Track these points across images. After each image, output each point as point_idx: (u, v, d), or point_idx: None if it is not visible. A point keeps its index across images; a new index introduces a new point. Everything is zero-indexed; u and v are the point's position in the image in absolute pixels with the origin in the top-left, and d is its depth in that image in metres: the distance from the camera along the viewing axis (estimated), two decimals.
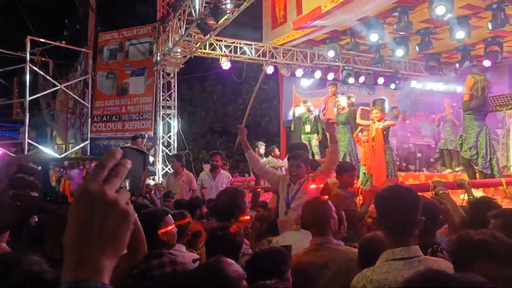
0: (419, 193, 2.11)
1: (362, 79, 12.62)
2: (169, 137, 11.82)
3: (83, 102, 11.85)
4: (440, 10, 7.73)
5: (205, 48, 10.81)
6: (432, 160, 10.87)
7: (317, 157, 9.66)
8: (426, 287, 1.10)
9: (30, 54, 10.50)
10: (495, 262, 1.56)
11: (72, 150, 11.91)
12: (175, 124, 11.82)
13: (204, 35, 8.89)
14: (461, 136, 7.26)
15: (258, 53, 11.50)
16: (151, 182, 8.86)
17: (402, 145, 10.74)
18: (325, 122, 10.00)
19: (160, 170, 11.33)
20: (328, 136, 4.35)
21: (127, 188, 0.75)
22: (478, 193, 5.86)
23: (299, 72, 12.10)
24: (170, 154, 11.00)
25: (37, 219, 2.61)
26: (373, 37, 9.51)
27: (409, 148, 10.97)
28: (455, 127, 9.58)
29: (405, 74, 13.22)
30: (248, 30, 12.10)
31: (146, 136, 10.43)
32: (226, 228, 2.48)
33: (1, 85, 11.95)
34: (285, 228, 3.71)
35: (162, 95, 11.69)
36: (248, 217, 3.33)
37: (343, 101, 9.84)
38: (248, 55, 11.44)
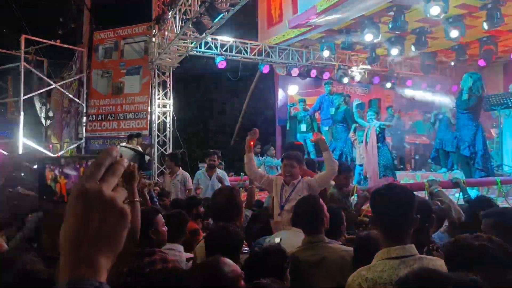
0: (415, 192, 2.12)
1: (357, 78, 12.64)
2: (165, 136, 11.78)
3: (78, 101, 11.78)
4: (434, 10, 7.75)
5: (200, 47, 10.79)
6: (428, 160, 10.89)
7: (312, 156, 9.67)
8: (420, 286, 1.11)
9: (25, 53, 10.42)
10: (495, 267, 1.56)
11: (67, 149, 11.84)
12: (170, 123, 11.78)
13: (200, 34, 8.87)
14: (456, 136, 7.30)
15: (254, 52, 11.48)
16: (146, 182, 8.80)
17: (398, 145, 10.77)
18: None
19: (155, 169, 11.30)
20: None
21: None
22: (473, 192, 5.89)
23: (294, 71, 12.11)
24: (166, 153, 10.97)
25: (33, 218, 2.60)
26: (368, 37, 9.51)
27: (405, 148, 11.00)
28: (450, 126, 9.60)
29: (401, 73, 13.25)
30: (243, 29, 12.09)
31: (142, 134, 10.38)
32: (226, 227, 2.48)
33: None
34: (279, 229, 3.70)
35: (158, 94, 11.65)
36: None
37: (339, 100, 9.86)
38: (244, 54, 11.43)
